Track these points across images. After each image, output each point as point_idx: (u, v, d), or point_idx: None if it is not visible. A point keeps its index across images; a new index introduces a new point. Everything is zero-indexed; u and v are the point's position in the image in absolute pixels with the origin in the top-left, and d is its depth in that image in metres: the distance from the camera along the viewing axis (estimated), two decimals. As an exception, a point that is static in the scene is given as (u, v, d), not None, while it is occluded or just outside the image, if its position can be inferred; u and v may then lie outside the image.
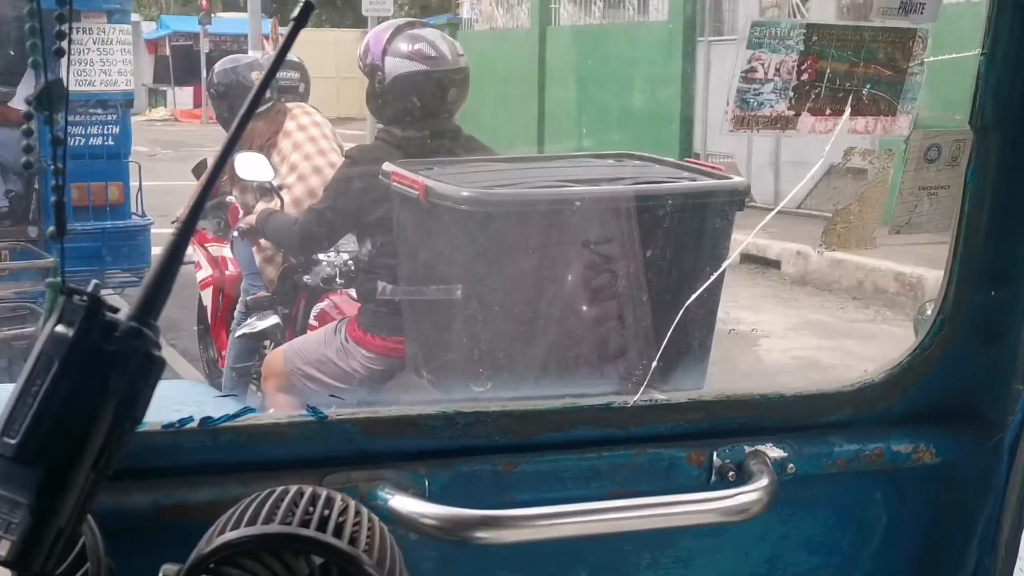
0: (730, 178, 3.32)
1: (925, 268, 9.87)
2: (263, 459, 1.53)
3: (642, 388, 1.74)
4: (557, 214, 3.13)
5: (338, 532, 1.20)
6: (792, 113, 1.64)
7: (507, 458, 1.62)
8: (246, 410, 1.54)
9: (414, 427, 1.61)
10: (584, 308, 3.17)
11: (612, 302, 3.17)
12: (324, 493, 1.25)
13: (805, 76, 1.63)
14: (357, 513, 1.24)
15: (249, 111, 1.23)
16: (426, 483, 1.55)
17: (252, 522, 1.20)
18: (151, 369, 1.18)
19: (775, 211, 1.87)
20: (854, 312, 10.17)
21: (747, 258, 11.54)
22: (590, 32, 19.45)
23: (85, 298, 1.15)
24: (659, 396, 1.75)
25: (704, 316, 3.29)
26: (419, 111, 4.09)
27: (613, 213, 3.15)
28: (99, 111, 7.97)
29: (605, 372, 3.25)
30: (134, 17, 10.26)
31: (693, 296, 2.19)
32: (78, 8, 7.33)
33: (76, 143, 7.88)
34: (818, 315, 10.10)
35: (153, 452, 1.48)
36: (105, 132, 8.04)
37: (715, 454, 1.70)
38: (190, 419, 1.51)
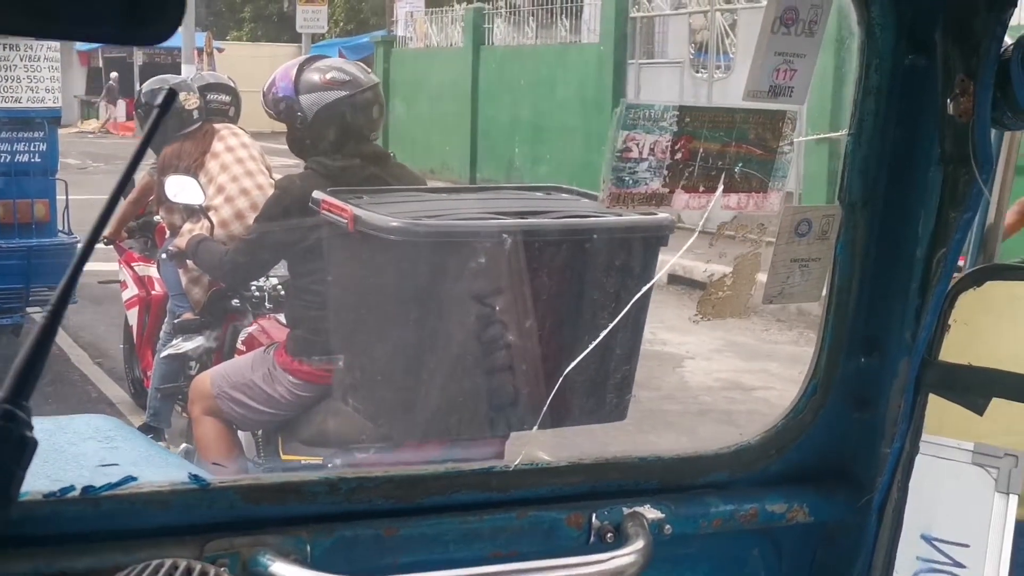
0: (655, 214, 3.38)
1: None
2: (145, 526, 1.53)
3: (523, 451, 1.78)
4: (485, 246, 3.18)
5: None
6: (667, 190, 1.70)
7: (389, 522, 1.64)
8: (128, 479, 1.54)
9: (296, 493, 1.62)
10: (509, 343, 3.22)
11: (537, 336, 3.22)
12: (198, 567, 1.28)
13: (679, 155, 1.69)
14: None
15: (139, 154, 1.25)
16: (308, 548, 1.57)
17: None
18: (24, 451, 1.18)
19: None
20: (777, 334, 10.29)
21: (673, 279, 11.65)
22: (523, 52, 19.56)
23: None
24: (541, 459, 1.79)
25: (627, 349, 3.35)
26: (346, 137, 4.13)
27: (540, 245, 3.20)
28: (25, 128, 7.87)
29: (529, 408, 3.30)
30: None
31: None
32: (6, 24, 7.23)
33: (2, 160, 7.78)
34: (742, 337, 10.22)
35: (34, 521, 1.47)
36: (32, 149, 7.92)
37: (594, 516, 1.74)
38: (71, 488, 1.51)
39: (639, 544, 1.69)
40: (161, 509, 1.55)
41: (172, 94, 1.24)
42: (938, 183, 1.73)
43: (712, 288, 1.79)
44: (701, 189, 1.72)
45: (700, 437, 7.49)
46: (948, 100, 1.67)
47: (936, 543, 1.78)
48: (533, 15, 19.61)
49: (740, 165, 1.73)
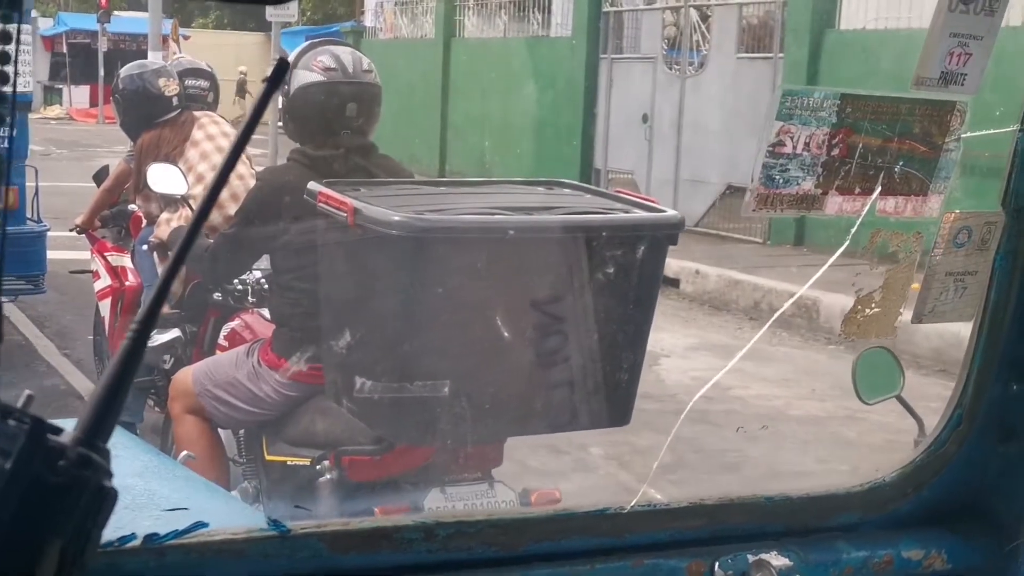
0: (664, 211, 3.28)
1: (821, 291, 9.97)
2: None
3: (641, 491, 1.60)
4: (492, 242, 3.06)
5: None
6: (819, 191, 1.54)
7: (491, 573, 1.50)
8: (197, 525, 1.37)
9: (388, 540, 1.47)
10: (515, 344, 3.10)
11: (548, 335, 3.11)
12: None
13: (836, 151, 1.53)
14: None
15: (232, 158, 1.08)
16: None
17: None
18: (103, 504, 0.99)
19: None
20: (751, 333, 10.28)
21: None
22: (494, 45, 19.45)
23: (24, 419, 0.95)
24: (657, 499, 1.64)
25: (635, 353, 3.24)
26: (319, 124, 4.02)
27: (551, 243, 3.08)
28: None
29: (532, 411, 3.18)
30: (31, 13, 9.98)
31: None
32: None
33: (-31, 145, 7.59)
34: (716, 335, 10.19)
35: None
36: (1, 134, 7.72)
37: (716, 564, 1.59)
38: (132, 536, 1.34)
39: None
40: (235, 559, 1.38)
41: (284, 64, 1.06)
42: None
43: (859, 305, 1.61)
44: (857, 191, 1.55)
45: (678, 437, 7.40)
46: None
47: None
48: (504, 8, 19.50)
49: (901, 163, 1.56)
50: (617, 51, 16.86)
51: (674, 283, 12.16)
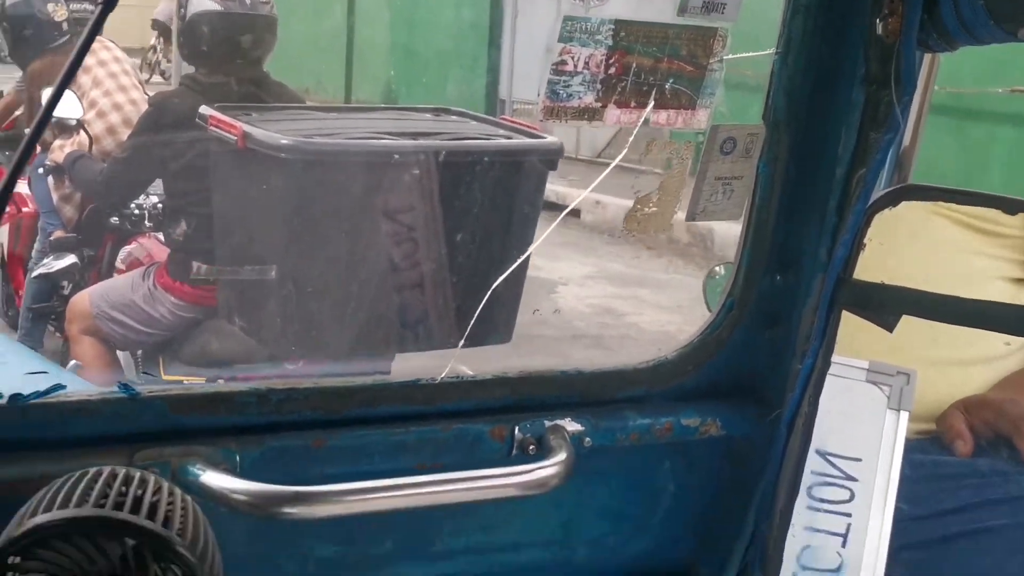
0: (544, 137, 3.41)
1: (715, 222, 10.17)
2: (74, 436, 1.52)
3: (449, 366, 1.77)
4: (377, 165, 3.16)
5: (151, 514, 1.19)
6: (599, 105, 1.70)
7: (317, 434, 1.65)
8: (56, 387, 1.52)
9: (226, 404, 1.62)
10: (399, 263, 3.22)
11: (427, 256, 3.23)
12: (137, 474, 1.24)
13: (612, 70, 1.69)
14: (171, 494, 1.24)
15: (69, 74, 1.17)
16: (237, 459, 1.57)
17: (65, 504, 1.18)
18: None
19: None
20: (648, 261, 10.41)
21: (548, 205, 11.69)
22: (400, -27, 19.28)
23: None
24: (466, 372, 1.81)
25: (514, 273, 3.38)
26: (213, 52, 4.06)
27: (433, 167, 3.20)
28: None
29: (416, 328, 3.31)
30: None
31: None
32: None
33: None
34: (614, 264, 10.30)
35: None
36: None
37: (516, 428, 1.77)
38: None
39: (561, 456, 1.73)
40: (90, 418, 1.53)
41: None
42: (860, 103, 1.74)
43: (639, 204, 1.80)
44: (633, 104, 1.72)
45: (575, 361, 7.58)
46: (877, 20, 1.67)
47: (830, 457, 1.82)
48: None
49: (671, 81, 1.74)
50: (524, -21, 16.84)
51: (575, 213, 12.31)
